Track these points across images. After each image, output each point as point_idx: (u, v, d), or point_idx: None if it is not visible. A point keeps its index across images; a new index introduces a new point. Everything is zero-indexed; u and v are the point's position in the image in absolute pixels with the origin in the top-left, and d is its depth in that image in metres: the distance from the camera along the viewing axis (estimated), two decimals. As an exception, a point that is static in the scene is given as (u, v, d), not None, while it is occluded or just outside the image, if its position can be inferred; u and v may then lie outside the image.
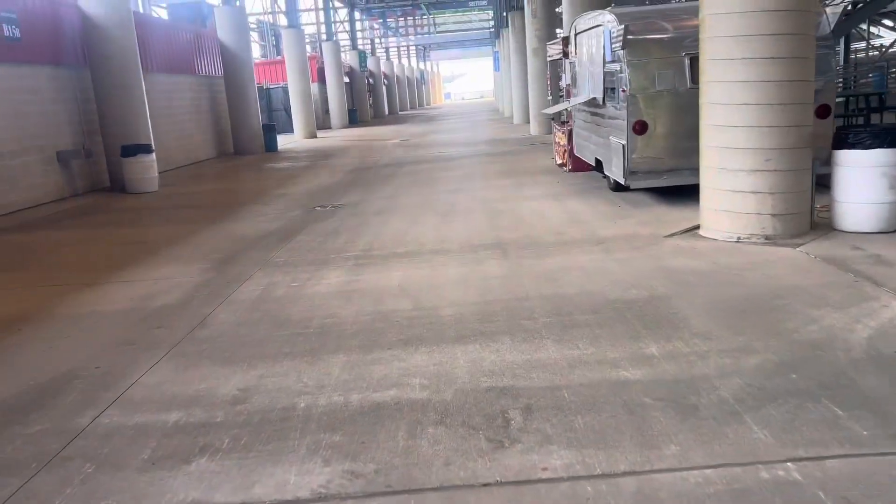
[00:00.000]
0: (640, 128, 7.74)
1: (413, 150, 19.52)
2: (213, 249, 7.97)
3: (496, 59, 44.24)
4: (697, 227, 6.85)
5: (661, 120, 7.77)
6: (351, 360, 4.33)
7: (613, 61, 8.26)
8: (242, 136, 21.72)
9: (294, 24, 28.76)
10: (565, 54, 11.67)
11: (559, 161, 12.80)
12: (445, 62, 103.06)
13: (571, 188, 10.42)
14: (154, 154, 13.84)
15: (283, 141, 27.11)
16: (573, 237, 7.17)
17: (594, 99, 9.28)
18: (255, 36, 50.41)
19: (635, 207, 8.40)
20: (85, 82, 14.08)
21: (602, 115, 9.09)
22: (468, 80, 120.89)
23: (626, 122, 7.90)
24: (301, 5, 50.05)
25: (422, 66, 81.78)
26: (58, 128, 13.35)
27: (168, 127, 18.32)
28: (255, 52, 49.17)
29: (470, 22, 58.41)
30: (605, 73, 8.67)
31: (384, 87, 53.22)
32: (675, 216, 7.69)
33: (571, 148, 11.84)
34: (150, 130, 14.45)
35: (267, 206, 11.03)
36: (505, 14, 33.74)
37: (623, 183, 8.23)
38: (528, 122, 27.33)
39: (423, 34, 60.78)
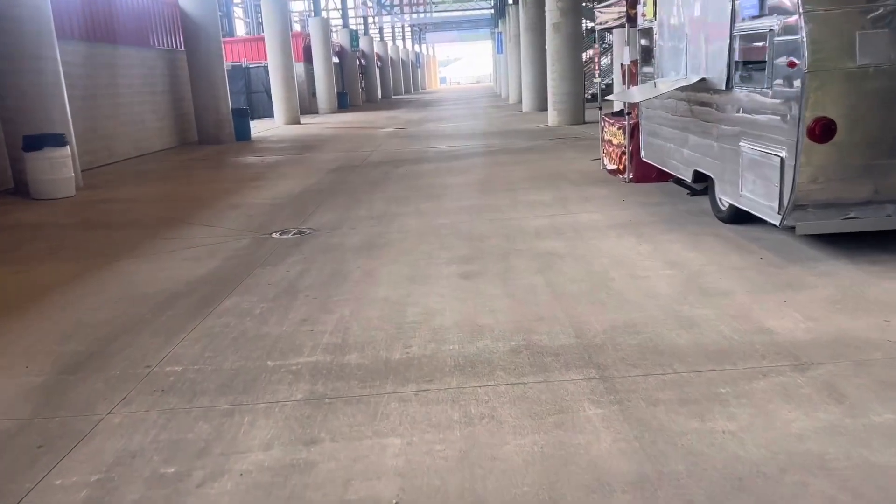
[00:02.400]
0: (821, 130, 4.42)
1: (410, 143, 16.16)
2: (71, 330, 4.63)
3: (499, 41, 40.73)
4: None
5: (862, 117, 4.47)
6: None
7: (763, 15, 4.92)
8: (207, 122, 18.27)
9: (275, -6, 25.17)
10: (630, 19, 8.31)
11: (611, 166, 9.48)
12: (441, 45, 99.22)
13: (650, 212, 7.11)
14: (68, 147, 10.42)
15: (261, 127, 23.65)
16: (726, 338, 3.86)
17: (704, 81, 5.95)
18: (239, 12, 46.75)
19: (792, 261, 5.09)
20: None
21: (719, 107, 5.77)
22: (464, 64, 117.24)
23: (792, 119, 4.58)
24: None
25: (417, 48, 78.03)
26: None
27: (110, 111, 14.88)
28: (240, 29, 45.60)
29: (470, 1, 54.70)
30: (738, 39, 5.34)
31: (377, 70, 49.63)
32: (887, 288, 4.42)
33: (635, 149, 8.53)
34: (68, 115, 11.01)
35: (207, 228, 7.69)
36: (512, -12, 30.25)
37: (777, 223, 4.92)
38: (544, 109, 24.02)
39: (419, 13, 57.04)
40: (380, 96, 49.77)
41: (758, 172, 5.09)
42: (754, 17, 5.04)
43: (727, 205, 6.06)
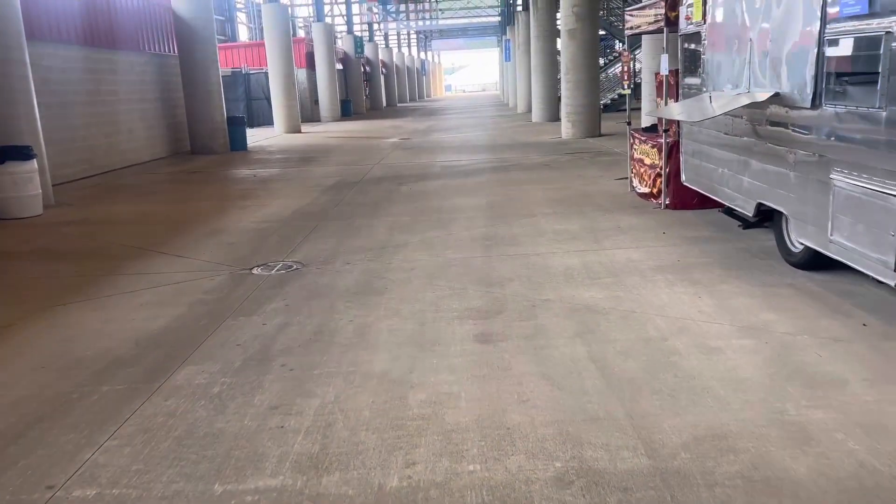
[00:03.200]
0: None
1: (415, 156, 15.08)
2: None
3: (507, 48, 39.74)
4: None
5: None
6: None
7: (874, 14, 3.82)
8: (201, 131, 17.22)
9: (276, -2, 24.19)
10: (669, 23, 7.22)
11: (642, 188, 8.38)
12: (447, 53, 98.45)
13: (700, 250, 5.99)
14: (35, 161, 9.36)
15: (259, 136, 22.62)
16: (864, 466, 2.73)
17: (777, 97, 4.84)
18: (242, 17, 45.85)
19: None
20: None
21: (799, 128, 4.66)
22: (470, 72, 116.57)
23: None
24: (290, -19, 45.60)
25: (423, 55, 77.18)
26: None
27: (94, 119, 13.83)
28: (243, 34, 44.64)
29: (477, 8, 53.76)
30: (831, 44, 4.24)
31: (382, 77, 48.70)
32: None
33: (674, 172, 7.43)
34: (38, 125, 9.95)
35: (180, 260, 6.60)
36: (522, -6, 29.26)
37: (893, 282, 3.80)
38: (555, 120, 22.93)
39: (425, 19, 56.12)
40: (384, 104, 48.81)
41: (860, 215, 3.98)
42: (859, 17, 3.94)
43: (801, 247, 4.95)
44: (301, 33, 43.93)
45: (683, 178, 7.15)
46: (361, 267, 6.06)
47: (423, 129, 23.75)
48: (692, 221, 7.05)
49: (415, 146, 17.55)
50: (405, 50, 65.00)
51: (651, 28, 7.83)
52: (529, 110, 28.42)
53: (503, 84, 54.14)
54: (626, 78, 8.67)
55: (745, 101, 5.12)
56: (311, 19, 39.32)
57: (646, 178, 8.18)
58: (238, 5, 42.54)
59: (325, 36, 31.48)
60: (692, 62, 6.75)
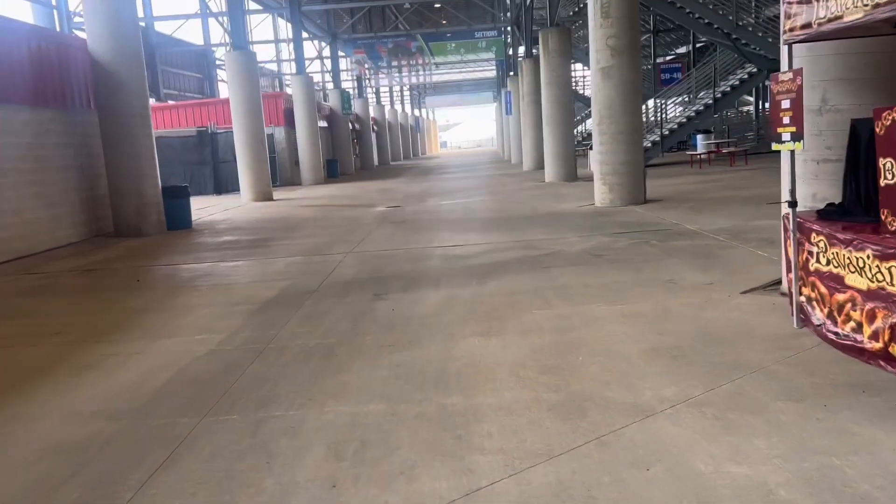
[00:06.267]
0: None
1: (406, 236, 11.04)
2: None
3: (507, 101, 36.33)
4: None
5: None
6: None
7: None
8: (126, 207, 13.20)
9: (241, 46, 20.57)
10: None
11: (843, 331, 4.24)
12: (441, 110, 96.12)
13: None
14: None
15: (218, 207, 18.66)
16: None
17: None
18: (223, 74, 42.55)
19: None
20: None
21: None
22: (465, 128, 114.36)
23: None
24: (261, 34, 42.40)
25: (417, 112, 74.38)
26: None
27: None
28: (224, 92, 41.25)
29: (472, 62, 50.74)
30: None
31: (373, 134, 45.29)
32: None
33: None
34: None
35: None
36: (525, 41, 25.84)
37: None
38: (571, 180, 19.04)
39: (418, 74, 53.01)
40: (376, 163, 45.29)
41: None
42: None
43: None
44: (288, 90, 40.60)
45: None
46: None
47: (417, 194, 19.83)
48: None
49: (406, 219, 13.53)
50: (398, 106, 62.01)
51: (862, 19, 3.83)
52: (538, 168, 24.67)
53: (501, 139, 50.78)
54: (786, 122, 4.66)
55: None
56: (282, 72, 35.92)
57: (857, 315, 4.06)
58: (218, 62, 39.08)
59: (306, 90, 27.92)
60: None
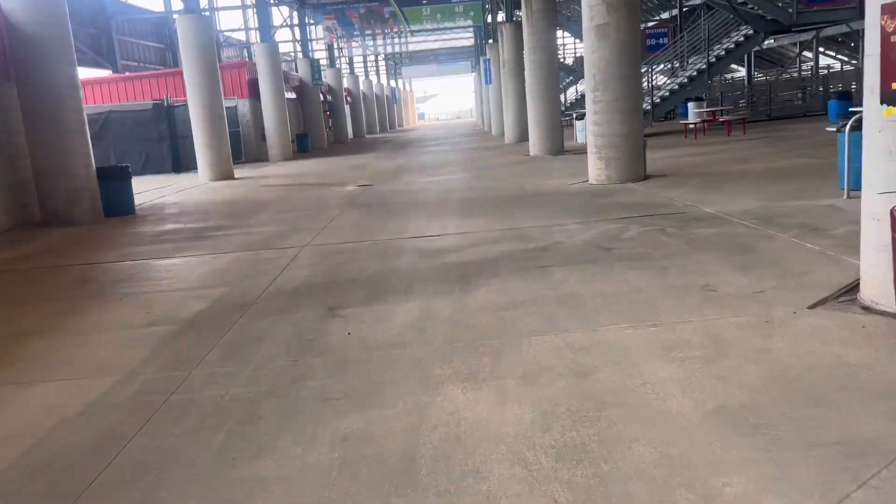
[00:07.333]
0: None
1: (375, 223, 9.47)
2: None
3: (486, 70, 34.53)
4: None
5: None
6: None
7: None
8: (55, 191, 11.47)
9: (193, 9, 18.62)
10: None
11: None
12: (418, 81, 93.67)
13: None
14: None
15: (171, 188, 16.92)
16: None
17: None
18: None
19: None
20: None
21: None
22: (443, 99, 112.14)
23: None
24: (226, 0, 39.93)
25: (393, 83, 72.12)
26: None
27: None
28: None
29: (450, 30, 48.64)
30: None
31: (347, 106, 43.30)
32: None
33: None
34: None
35: None
36: (505, 4, 24.06)
37: None
38: (558, 153, 17.42)
39: (392, 43, 50.80)
40: (351, 136, 43.41)
41: None
42: None
43: None
44: (247, 55, 38.32)
45: None
46: None
47: (391, 171, 18.20)
48: None
49: (377, 201, 11.95)
50: (374, 77, 59.83)
51: None
52: (521, 140, 23.13)
53: (481, 110, 48.96)
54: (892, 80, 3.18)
55: None
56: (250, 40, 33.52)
57: None
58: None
59: (271, 59, 25.98)
60: None
